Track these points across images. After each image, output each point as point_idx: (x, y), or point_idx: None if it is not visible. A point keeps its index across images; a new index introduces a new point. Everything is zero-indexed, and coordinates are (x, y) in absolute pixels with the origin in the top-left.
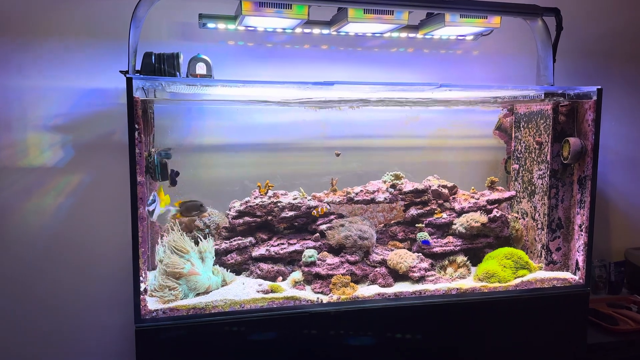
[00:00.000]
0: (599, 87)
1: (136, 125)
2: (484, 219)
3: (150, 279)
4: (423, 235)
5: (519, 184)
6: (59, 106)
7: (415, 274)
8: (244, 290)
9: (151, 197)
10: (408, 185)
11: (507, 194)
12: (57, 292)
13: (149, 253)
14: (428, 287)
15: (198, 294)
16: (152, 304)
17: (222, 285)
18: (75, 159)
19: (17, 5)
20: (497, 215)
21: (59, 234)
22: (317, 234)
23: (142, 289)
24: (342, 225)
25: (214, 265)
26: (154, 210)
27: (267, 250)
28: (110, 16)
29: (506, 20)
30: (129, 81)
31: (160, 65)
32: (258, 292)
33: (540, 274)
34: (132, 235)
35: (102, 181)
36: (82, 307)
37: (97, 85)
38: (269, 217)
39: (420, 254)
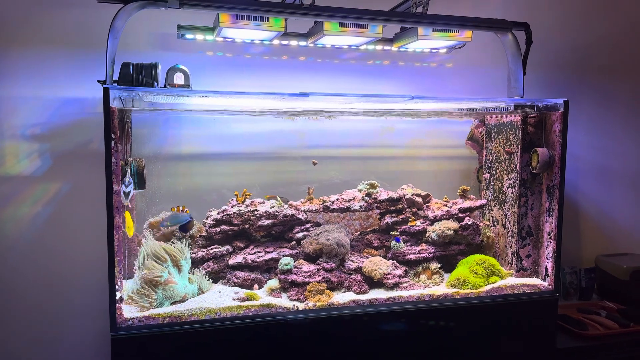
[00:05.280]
0: (566, 99)
1: (112, 135)
2: (456, 226)
3: (127, 287)
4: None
5: (490, 192)
6: (37, 115)
7: (390, 281)
8: (220, 299)
9: (127, 179)
10: (383, 194)
11: (478, 203)
12: (33, 301)
13: (124, 262)
14: (402, 293)
15: (174, 303)
16: (128, 312)
17: (199, 294)
18: (52, 168)
19: None
20: (469, 223)
21: (35, 243)
22: (294, 242)
23: (117, 297)
24: (320, 234)
25: (191, 272)
26: (129, 193)
27: (243, 258)
28: (89, 26)
29: (478, 34)
30: (106, 91)
31: (138, 75)
32: (234, 300)
33: (510, 281)
34: (108, 243)
35: (79, 190)
36: (58, 316)
37: (76, 94)
38: (246, 226)
39: (394, 261)
